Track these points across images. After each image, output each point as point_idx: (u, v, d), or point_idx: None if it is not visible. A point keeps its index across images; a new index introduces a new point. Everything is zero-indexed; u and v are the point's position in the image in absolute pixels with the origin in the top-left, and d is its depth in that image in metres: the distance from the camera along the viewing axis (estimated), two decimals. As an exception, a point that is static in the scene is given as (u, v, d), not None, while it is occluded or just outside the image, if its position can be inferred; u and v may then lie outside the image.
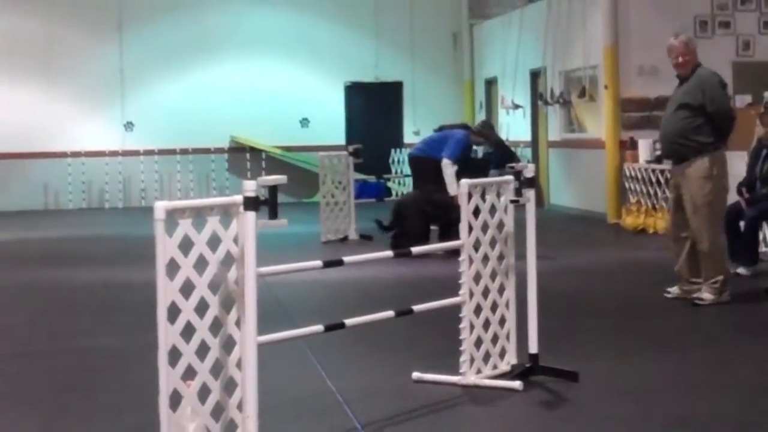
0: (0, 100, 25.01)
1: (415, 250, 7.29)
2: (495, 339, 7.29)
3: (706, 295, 10.10)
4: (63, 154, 25.15)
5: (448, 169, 14.77)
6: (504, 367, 7.34)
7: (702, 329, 9.28)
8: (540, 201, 20.11)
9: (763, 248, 12.41)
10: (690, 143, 10.06)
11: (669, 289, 10.43)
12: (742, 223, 11.98)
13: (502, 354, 7.36)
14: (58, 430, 6.44)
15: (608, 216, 18.57)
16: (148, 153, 25.44)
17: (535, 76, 22.53)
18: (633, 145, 18.16)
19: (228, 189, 24.66)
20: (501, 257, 7.29)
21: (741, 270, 11.56)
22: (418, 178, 15.60)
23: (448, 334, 7.51)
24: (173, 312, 5.10)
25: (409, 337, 8.73)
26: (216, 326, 5.34)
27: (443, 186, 14.53)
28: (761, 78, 17.11)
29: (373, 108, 26.37)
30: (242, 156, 25.62)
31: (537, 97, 22.22)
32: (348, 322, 6.64)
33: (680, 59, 10.28)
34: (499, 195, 7.27)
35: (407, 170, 24.96)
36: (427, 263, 12.89)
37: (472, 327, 7.12)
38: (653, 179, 17.39)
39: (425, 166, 15.23)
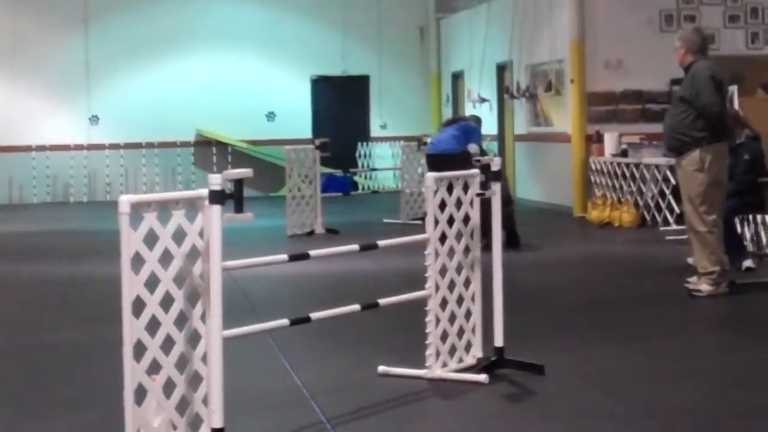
0: (-36, 94, 24.89)
1: (382, 243, 7.28)
2: (461, 332, 7.30)
3: (704, 287, 10.16)
4: (28, 148, 25.00)
5: (477, 150, 14.90)
6: (470, 360, 7.35)
7: (668, 321, 9.31)
8: (506, 195, 20.11)
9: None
10: (684, 137, 10.15)
11: (689, 279, 10.47)
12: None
13: (468, 347, 7.37)
14: (20, 425, 6.40)
15: (574, 209, 18.63)
16: (114, 147, 25.33)
17: (501, 69, 22.56)
18: (599, 138, 18.24)
19: (194, 183, 24.61)
20: (467, 250, 7.30)
21: (747, 263, 11.54)
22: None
23: (414, 327, 7.52)
24: (138, 306, 5.08)
25: (375, 331, 8.72)
26: (181, 320, 5.32)
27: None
28: (727, 72, 17.20)
29: (340, 102, 26.34)
30: (208, 150, 25.55)
31: (503, 90, 22.26)
32: (314, 316, 6.63)
33: (677, 51, 10.35)
34: (465, 188, 7.28)
35: (373, 164, 25.13)
36: (391, 257, 12.87)
37: (438, 320, 7.12)
38: (619, 173, 17.47)
39: (459, 159, 14.96)
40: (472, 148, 14.76)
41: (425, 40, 26.63)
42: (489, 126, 22.82)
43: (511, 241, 13.83)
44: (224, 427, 5.41)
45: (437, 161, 14.88)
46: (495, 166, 7.16)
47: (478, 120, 16.24)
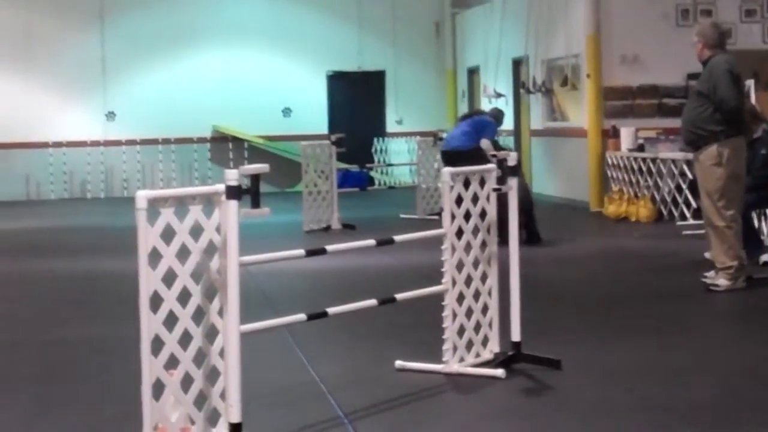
0: (-19, 91, 24.95)
1: (398, 238, 7.28)
2: (478, 327, 7.30)
3: (722, 281, 10.14)
4: (44, 145, 25.07)
5: (489, 145, 14.97)
6: (487, 355, 7.35)
7: (685, 316, 9.30)
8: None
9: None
10: (702, 131, 10.12)
11: (706, 274, 10.47)
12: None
13: (485, 342, 7.37)
14: (38, 420, 6.42)
15: (591, 204, 18.61)
16: (130, 143, 25.38)
17: (517, 64, 22.53)
18: (615, 133, 18.21)
19: (210, 179, 24.63)
20: (483, 245, 7.30)
21: (765, 257, 11.54)
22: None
23: (431, 322, 7.52)
24: (156, 301, 5.09)
25: (392, 326, 8.73)
26: (199, 315, 5.34)
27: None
28: (743, 66, 17.16)
29: (356, 97, 26.34)
30: (224, 146, 25.58)
31: (519, 85, 22.24)
32: (331, 310, 6.64)
33: (695, 45, 10.34)
34: (482, 183, 7.28)
35: (389, 159, 25.13)
36: (408, 252, 12.85)
37: (454, 315, 7.13)
38: (635, 167, 17.44)
39: (471, 155, 15.17)
40: (484, 143, 14.81)
41: (440, 35, 26.61)
42: (505, 121, 22.79)
43: (530, 239, 13.76)
44: (242, 421, 5.42)
45: (449, 158, 15.04)
46: (511, 161, 7.16)
47: (498, 113, 16.21)
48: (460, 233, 7.16)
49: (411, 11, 26.33)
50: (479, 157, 14.68)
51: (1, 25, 24.97)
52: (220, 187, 5.31)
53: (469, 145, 15.07)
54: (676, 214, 16.37)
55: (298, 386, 7.00)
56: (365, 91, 26.39)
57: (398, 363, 7.31)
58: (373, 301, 6.98)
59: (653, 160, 16.98)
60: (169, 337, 5.20)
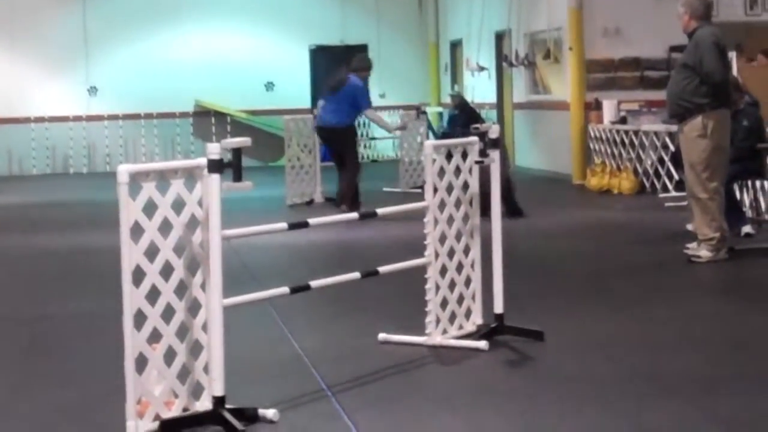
0: (-38, 66, 24.83)
1: (381, 211, 7.28)
2: (460, 299, 7.32)
3: (704, 253, 10.16)
4: (26, 120, 24.97)
5: (373, 114, 15.02)
6: (470, 327, 7.37)
7: (667, 287, 9.33)
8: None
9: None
10: (687, 103, 10.13)
11: (688, 245, 10.49)
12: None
13: (468, 314, 7.39)
14: (24, 395, 6.42)
15: (573, 177, 18.63)
16: (113, 118, 25.29)
17: (500, 38, 22.51)
18: (597, 106, 18.22)
19: (193, 153, 24.58)
20: (466, 218, 7.31)
21: (746, 229, 11.57)
22: (344, 148, 15.48)
23: (414, 295, 7.54)
24: (138, 275, 5.10)
25: (375, 299, 8.74)
26: (181, 289, 5.35)
27: None
28: (726, 39, 17.14)
29: (339, 71, 26.22)
30: (207, 120, 25.51)
31: (502, 59, 22.21)
32: (314, 284, 6.64)
33: (681, 17, 10.34)
34: (464, 156, 7.28)
35: (373, 133, 25.10)
36: (391, 225, 12.85)
37: (437, 288, 7.13)
38: (618, 140, 17.46)
39: (346, 135, 15.36)
40: (370, 114, 14.93)
41: (423, 8, 26.55)
42: (488, 94, 22.83)
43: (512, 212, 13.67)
44: (225, 395, 5.43)
45: (325, 135, 15.50)
46: (494, 133, 7.16)
47: (359, 64, 15.79)
48: (442, 206, 7.17)
49: (393, -16, 26.27)
50: (350, 135, 14.85)
51: (-19, -1, 24.85)
52: (202, 160, 5.31)
53: (337, 125, 15.10)
54: (658, 186, 16.41)
55: (282, 359, 7.02)
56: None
57: (381, 336, 7.33)
58: (356, 274, 6.98)
59: (635, 133, 17.00)
60: (152, 311, 5.21)
